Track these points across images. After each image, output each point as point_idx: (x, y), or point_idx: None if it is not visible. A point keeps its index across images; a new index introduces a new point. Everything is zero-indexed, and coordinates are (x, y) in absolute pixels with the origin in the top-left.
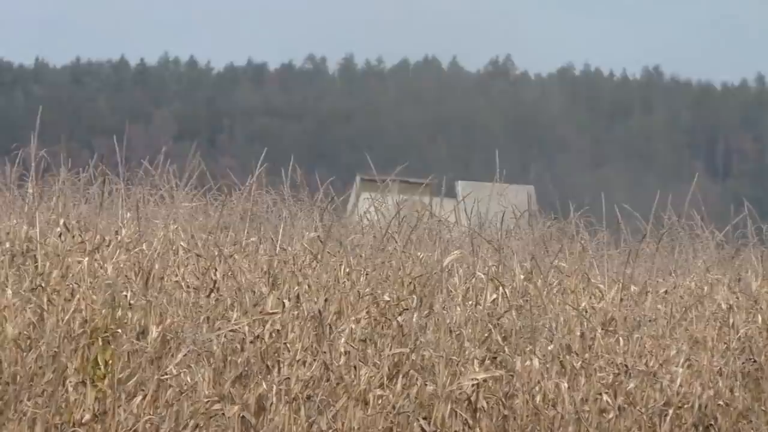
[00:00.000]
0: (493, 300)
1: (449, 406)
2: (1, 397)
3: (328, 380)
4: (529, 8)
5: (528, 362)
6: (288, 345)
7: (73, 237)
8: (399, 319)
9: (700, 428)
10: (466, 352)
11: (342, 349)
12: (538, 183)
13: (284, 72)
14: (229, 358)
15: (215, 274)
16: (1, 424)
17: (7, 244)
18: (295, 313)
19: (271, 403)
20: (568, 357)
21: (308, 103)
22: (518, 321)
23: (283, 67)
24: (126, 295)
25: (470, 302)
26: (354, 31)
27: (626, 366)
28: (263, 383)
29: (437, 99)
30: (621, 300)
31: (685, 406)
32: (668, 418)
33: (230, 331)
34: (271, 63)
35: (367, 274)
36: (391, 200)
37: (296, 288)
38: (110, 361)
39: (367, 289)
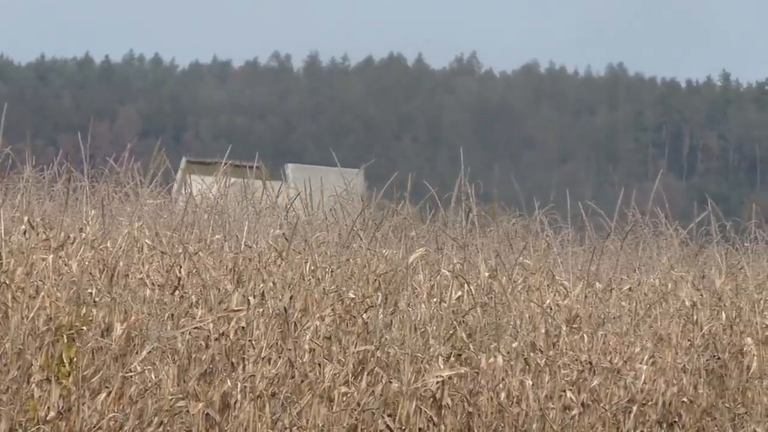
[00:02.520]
0: (458, 297)
1: (414, 404)
2: None
3: (292, 377)
4: (494, 6)
5: (492, 359)
6: (253, 342)
7: (38, 234)
8: (364, 316)
9: (664, 425)
10: (431, 350)
11: (307, 347)
12: (503, 179)
13: (249, 69)
14: (193, 356)
15: (180, 272)
16: None
17: None
18: (260, 310)
19: (236, 401)
20: (532, 354)
21: (273, 101)
22: (483, 318)
23: (248, 64)
24: (91, 293)
25: (435, 300)
26: (318, 29)
27: (590, 363)
28: (228, 380)
29: (403, 96)
30: (585, 297)
31: (649, 403)
32: (632, 414)
33: (195, 328)
34: (235, 60)
35: (332, 272)
36: (222, 182)
37: (261, 285)
38: (75, 359)
39: (332, 287)
